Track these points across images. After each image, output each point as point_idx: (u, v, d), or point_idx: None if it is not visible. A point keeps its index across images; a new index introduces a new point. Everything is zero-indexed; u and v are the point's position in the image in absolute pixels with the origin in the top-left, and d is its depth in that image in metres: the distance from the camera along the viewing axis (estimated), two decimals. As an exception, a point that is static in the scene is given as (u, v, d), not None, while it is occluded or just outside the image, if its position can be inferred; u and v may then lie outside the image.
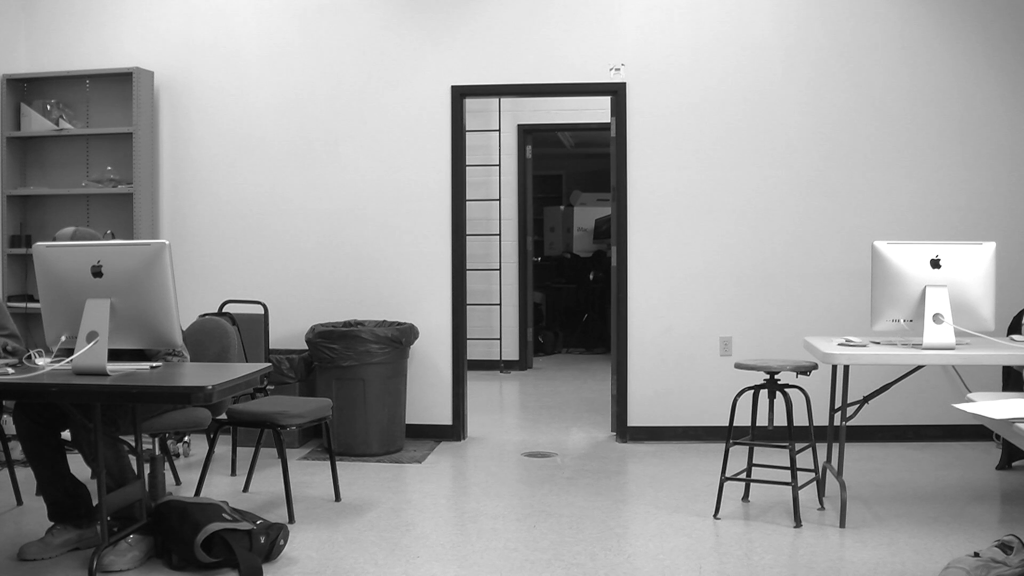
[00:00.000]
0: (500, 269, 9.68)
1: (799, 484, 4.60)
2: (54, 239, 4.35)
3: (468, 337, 6.76)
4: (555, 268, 12.47)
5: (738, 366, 4.78)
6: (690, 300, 6.43)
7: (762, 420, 4.74)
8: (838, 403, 4.74)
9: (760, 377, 4.73)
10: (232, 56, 6.71)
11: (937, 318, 4.42)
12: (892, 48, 6.34)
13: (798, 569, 4.01)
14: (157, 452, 4.46)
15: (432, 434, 6.54)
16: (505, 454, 6.17)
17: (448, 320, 6.56)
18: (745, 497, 5.00)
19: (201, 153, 6.76)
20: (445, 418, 6.57)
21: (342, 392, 5.97)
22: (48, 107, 6.69)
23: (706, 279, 6.42)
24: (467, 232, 6.71)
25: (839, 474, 4.67)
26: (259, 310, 6.23)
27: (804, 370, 4.69)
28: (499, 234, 9.64)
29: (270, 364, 4.72)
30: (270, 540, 4.04)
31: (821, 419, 5.07)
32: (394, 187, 6.59)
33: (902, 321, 4.53)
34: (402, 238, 6.58)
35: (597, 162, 8.48)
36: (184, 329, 4.31)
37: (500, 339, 9.70)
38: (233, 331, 4.97)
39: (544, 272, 11.89)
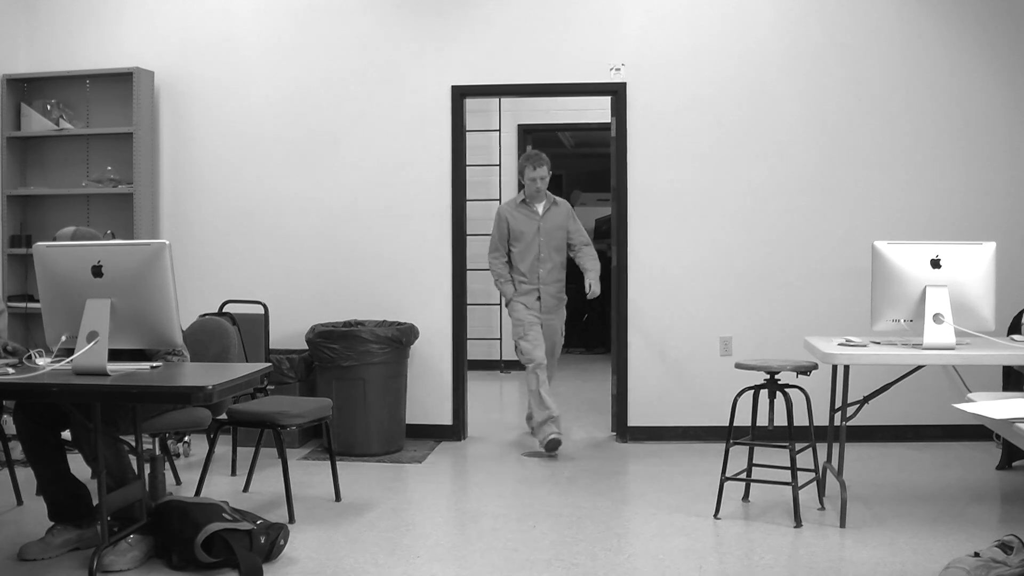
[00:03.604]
0: (500, 269, 9.66)
1: (799, 484, 4.60)
2: (54, 239, 4.35)
3: (468, 337, 6.77)
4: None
5: (738, 366, 4.78)
6: (690, 300, 6.43)
7: (762, 420, 4.74)
8: (838, 403, 4.74)
9: (760, 377, 4.73)
10: (232, 56, 6.71)
11: (937, 318, 4.42)
12: (892, 47, 6.33)
13: (798, 569, 4.01)
14: (157, 452, 4.46)
15: (432, 434, 6.54)
16: (505, 454, 6.17)
17: (448, 320, 6.56)
18: (745, 497, 5.00)
19: (201, 153, 6.76)
20: (445, 418, 6.57)
21: (342, 392, 5.97)
22: (48, 107, 6.70)
23: (706, 279, 6.43)
24: (467, 232, 6.72)
25: (839, 474, 4.67)
26: (259, 310, 6.23)
27: (804, 370, 4.69)
28: (499, 234, 9.64)
29: (270, 364, 4.72)
30: (270, 540, 4.04)
31: (821, 419, 5.06)
32: (394, 187, 6.59)
33: (902, 321, 4.53)
34: (402, 238, 6.58)
35: (597, 162, 8.48)
36: (184, 329, 4.31)
37: (500, 339, 9.71)
38: (233, 331, 4.98)
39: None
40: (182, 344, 4.07)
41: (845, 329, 5.36)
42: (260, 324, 6.20)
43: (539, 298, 6.37)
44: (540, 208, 6.48)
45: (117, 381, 3.64)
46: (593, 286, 6.34)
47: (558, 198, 6.60)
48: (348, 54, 6.63)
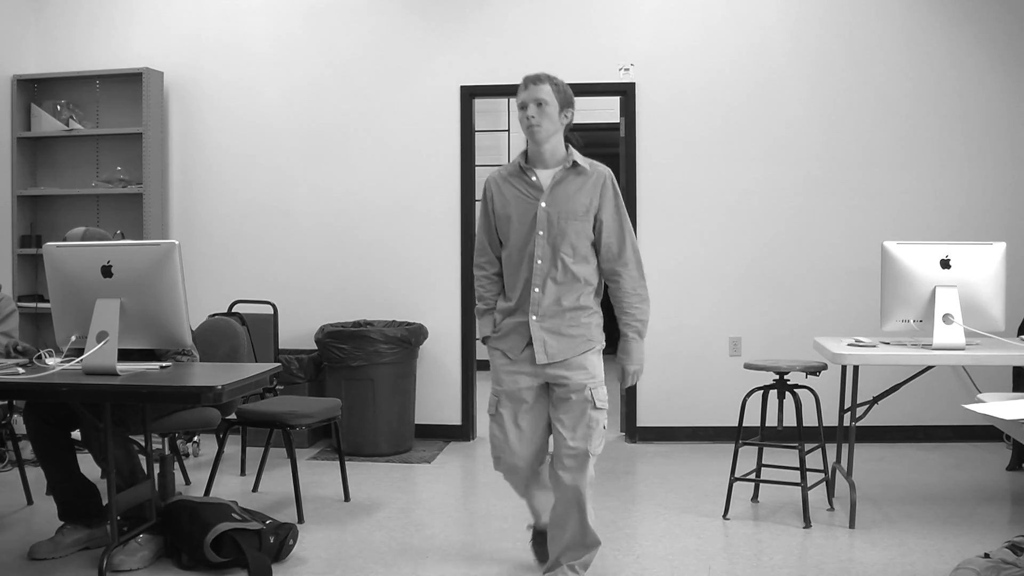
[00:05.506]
0: (509, 269, 9.66)
1: (809, 485, 4.59)
2: (64, 239, 4.37)
3: (477, 337, 6.76)
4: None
5: (748, 366, 4.77)
6: (699, 300, 6.42)
7: (771, 420, 4.73)
8: (848, 403, 4.72)
9: (770, 377, 4.73)
10: (242, 57, 6.73)
11: (947, 318, 4.41)
12: (901, 47, 6.32)
13: (807, 570, 4.00)
14: (167, 452, 4.48)
15: (441, 434, 6.54)
16: (514, 454, 6.16)
17: (458, 320, 6.56)
18: (754, 498, 4.99)
19: (211, 153, 6.78)
20: (454, 418, 6.57)
21: (351, 392, 5.98)
22: (58, 107, 6.72)
23: (715, 279, 6.42)
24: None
25: (849, 474, 4.66)
26: (268, 310, 6.24)
27: (814, 370, 4.68)
28: (508, 234, 9.65)
29: (279, 364, 4.72)
30: (279, 540, 4.04)
31: (831, 419, 5.05)
32: (403, 187, 6.60)
33: (912, 321, 4.52)
34: (411, 238, 6.59)
35: (606, 162, 8.48)
36: (194, 329, 4.32)
37: (509, 339, 9.69)
38: (243, 331, 4.98)
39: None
40: (191, 344, 4.08)
41: (854, 329, 5.35)
42: (269, 324, 6.21)
43: (530, 343, 3.59)
44: (547, 177, 3.66)
45: (127, 381, 3.65)
46: (628, 376, 3.86)
47: (589, 161, 3.73)
48: (357, 54, 6.63)
